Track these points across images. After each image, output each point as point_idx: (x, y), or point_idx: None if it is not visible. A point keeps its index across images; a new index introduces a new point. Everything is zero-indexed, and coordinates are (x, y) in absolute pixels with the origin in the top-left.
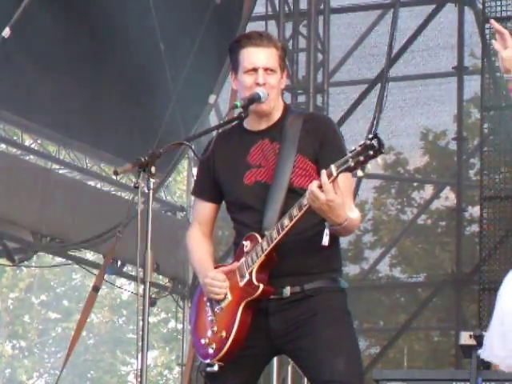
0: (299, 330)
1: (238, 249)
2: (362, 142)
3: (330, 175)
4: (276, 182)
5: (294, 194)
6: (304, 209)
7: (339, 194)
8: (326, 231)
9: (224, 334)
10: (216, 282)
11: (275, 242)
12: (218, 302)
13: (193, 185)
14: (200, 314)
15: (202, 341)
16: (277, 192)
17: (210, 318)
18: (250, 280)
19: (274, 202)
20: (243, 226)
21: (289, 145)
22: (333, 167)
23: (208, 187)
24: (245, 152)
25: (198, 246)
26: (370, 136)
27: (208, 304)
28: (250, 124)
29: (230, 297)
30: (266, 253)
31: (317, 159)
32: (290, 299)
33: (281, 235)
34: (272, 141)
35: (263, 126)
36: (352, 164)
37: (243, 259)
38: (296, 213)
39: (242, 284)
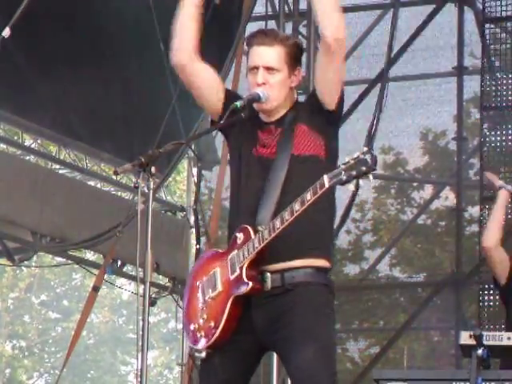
0: (278, 322)
1: (232, 240)
2: (356, 155)
3: (322, 186)
4: (279, 157)
5: (302, 163)
6: (292, 217)
7: None
8: None
9: (212, 324)
10: None
11: (266, 242)
12: (210, 290)
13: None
14: (192, 298)
15: (192, 326)
16: (279, 168)
17: (200, 306)
18: (241, 276)
19: (275, 180)
20: (238, 200)
21: (289, 125)
22: (325, 178)
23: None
24: (253, 133)
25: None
26: (365, 149)
27: (200, 290)
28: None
29: (220, 287)
30: (257, 251)
31: (313, 119)
32: (271, 293)
33: (271, 236)
34: (277, 127)
35: (271, 118)
36: (344, 178)
37: (235, 252)
38: (288, 217)
39: (232, 278)
